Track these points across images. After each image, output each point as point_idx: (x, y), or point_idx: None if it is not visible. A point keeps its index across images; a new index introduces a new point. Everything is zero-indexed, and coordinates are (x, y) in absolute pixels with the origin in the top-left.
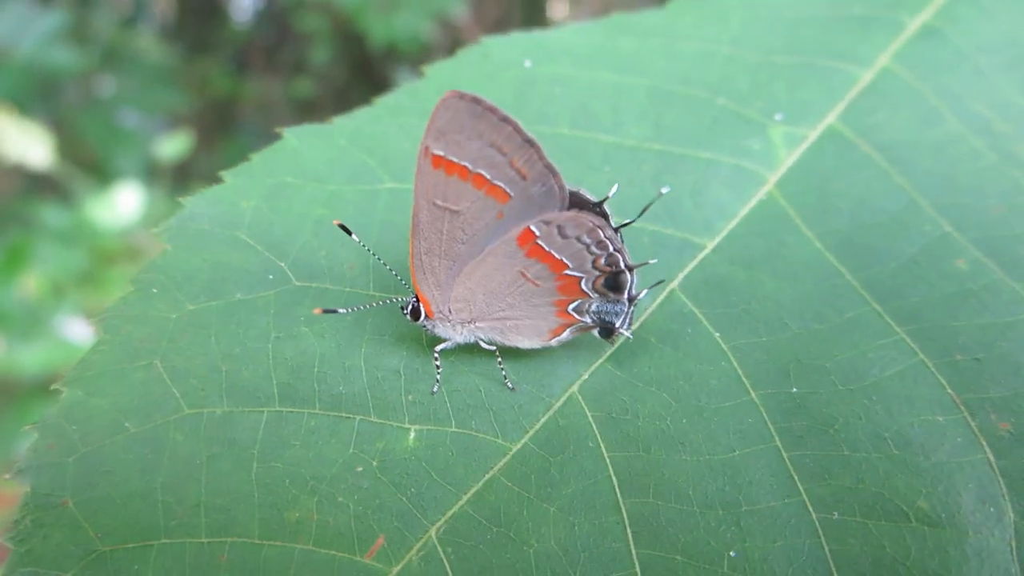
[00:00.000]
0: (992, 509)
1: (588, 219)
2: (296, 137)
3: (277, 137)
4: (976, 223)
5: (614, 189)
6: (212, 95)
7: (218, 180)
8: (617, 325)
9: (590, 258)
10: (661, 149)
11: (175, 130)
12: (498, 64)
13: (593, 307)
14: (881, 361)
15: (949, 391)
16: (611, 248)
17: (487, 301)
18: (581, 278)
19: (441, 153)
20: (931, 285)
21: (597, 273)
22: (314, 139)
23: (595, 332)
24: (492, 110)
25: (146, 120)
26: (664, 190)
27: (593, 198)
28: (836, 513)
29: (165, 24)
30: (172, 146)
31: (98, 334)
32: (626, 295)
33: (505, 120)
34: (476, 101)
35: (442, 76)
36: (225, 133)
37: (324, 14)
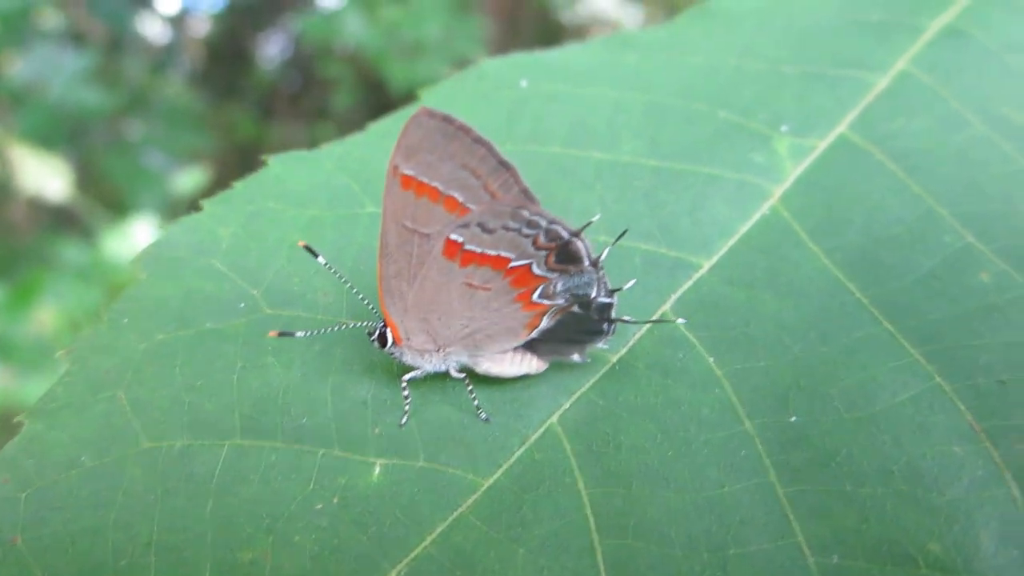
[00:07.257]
0: (1016, 552)
1: (504, 204)
2: (280, 163)
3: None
4: (1003, 232)
5: (596, 217)
6: (237, 139)
7: (199, 209)
8: (592, 295)
9: (527, 241)
10: (657, 165)
11: (195, 166)
12: (493, 84)
13: (559, 287)
14: (892, 385)
15: (968, 418)
16: (544, 223)
17: (445, 323)
18: (530, 263)
19: (411, 173)
20: (951, 301)
21: (544, 252)
22: (299, 165)
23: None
24: (464, 130)
25: (170, 160)
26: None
27: (571, 227)
28: (836, 557)
29: (194, 70)
30: (189, 180)
31: (65, 366)
32: (587, 262)
33: (479, 141)
34: (447, 120)
35: (436, 99)
36: (248, 173)
37: (348, 63)
